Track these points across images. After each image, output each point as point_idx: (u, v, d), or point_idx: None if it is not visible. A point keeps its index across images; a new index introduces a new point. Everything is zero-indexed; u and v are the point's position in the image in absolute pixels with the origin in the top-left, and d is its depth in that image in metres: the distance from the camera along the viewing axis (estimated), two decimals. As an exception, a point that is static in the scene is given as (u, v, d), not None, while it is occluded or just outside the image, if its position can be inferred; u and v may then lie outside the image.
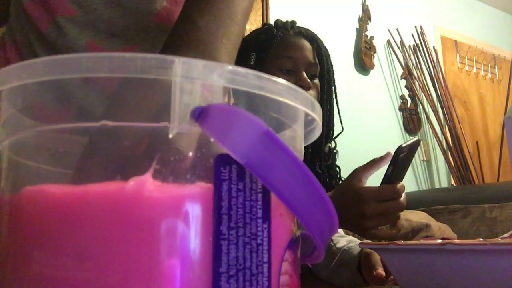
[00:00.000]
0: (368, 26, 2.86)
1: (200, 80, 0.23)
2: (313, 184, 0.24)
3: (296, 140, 0.29)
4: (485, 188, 2.40)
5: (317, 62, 1.06)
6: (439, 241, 0.44)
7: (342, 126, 1.17)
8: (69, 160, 0.29)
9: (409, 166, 0.84)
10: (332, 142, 1.15)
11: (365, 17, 2.86)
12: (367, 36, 2.84)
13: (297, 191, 0.23)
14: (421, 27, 3.13)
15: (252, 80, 0.24)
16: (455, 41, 3.48)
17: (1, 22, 0.67)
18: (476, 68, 3.60)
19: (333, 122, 1.14)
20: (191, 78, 0.23)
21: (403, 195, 0.79)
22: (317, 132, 0.31)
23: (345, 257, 0.88)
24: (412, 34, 3.11)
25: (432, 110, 3.00)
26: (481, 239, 0.40)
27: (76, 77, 0.22)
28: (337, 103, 1.15)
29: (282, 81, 0.25)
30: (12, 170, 0.26)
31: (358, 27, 2.85)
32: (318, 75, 1.07)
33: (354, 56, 2.79)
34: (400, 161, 0.77)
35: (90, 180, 0.25)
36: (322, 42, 1.10)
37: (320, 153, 1.09)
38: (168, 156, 0.24)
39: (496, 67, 3.73)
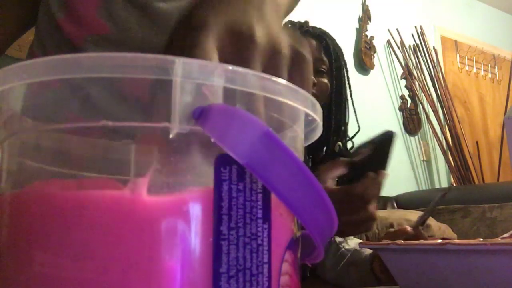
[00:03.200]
0: (368, 26, 2.86)
1: (201, 80, 0.23)
2: (313, 184, 0.24)
3: (297, 140, 0.29)
4: (485, 188, 2.40)
5: (324, 58, 1.07)
6: (439, 241, 0.44)
7: (359, 125, 1.13)
8: (69, 160, 0.29)
9: (384, 159, 0.82)
10: (350, 142, 1.12)
11: (365, 17, 2.86)
12: (367, 36, 2.84)
13: (297, 191, 0.23)
14: (421, 27, 3.13)
15: (252, 80, 0.24)
16: (455, 41, 3.49)
17: (25, 26, 0.67)
18: (476, 68, 3.60)
19: (346, 120, 1.12)
20: (191, 78, 0.23)
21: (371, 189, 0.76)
22: (318, 132, 0.31)
23: (356, 257, 0.88)
24: (412, 34, 3.11)
25: (432, 110, 3.00)
26: (481, 239, 0.40)
27: (77, 77, 0.22)
28: (352, 101, 1.13)
29: (282, 81, 0.25)
30: (12, 170, 0.26)
31: (358, 27, 2.85)
32: (327, 72, 1.07)
33: (354, 56, 2.79)
34: (361, 158, 0.76)
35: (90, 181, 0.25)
36: (333, 40, 1.10)
37: (330, 152, 1.08)
38: (168, 156, 0.24)
39: (496, 67, 3.73)
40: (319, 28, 1.12)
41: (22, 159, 0.27)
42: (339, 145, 1.11)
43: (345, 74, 1.12)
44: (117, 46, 0.57)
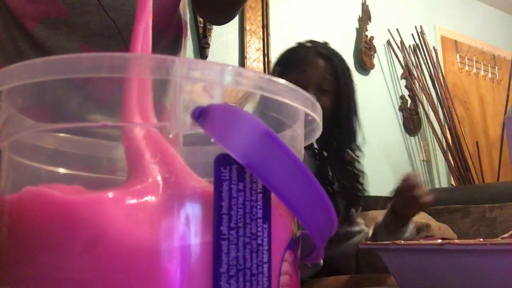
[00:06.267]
0: (368, 26, 2.86)
1: (201, 80, 0.23)
2: (313, 184, 0.24)
3: (296, 140, 0.29)
4: (485, 188, 2.40)
5: (331, 78, 1.18)
6: (439, 241, 0.44)
7: (364, 139, 1.26)
8: (69, 160, 0.29)
9: None
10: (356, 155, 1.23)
11: (365, 17, 2.86)
12: (367, 36, 2.83)
13: (297, 191, 0.23)
14: (421, 27, 3.13)
15: (252, 80, 0.24)
16: (455, 41, 3.48)
17: None
18: (476, 68, 3.60)
19: (355, 132, 1.23)
20: (191, 78, 0.23)
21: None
22: (317, 132, 0.31)
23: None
24: (412, 34, 3.11)
25: (432, 110, 3.00)
26: (481, 239, 0.40)
27: (77, 77, 0.22)
28: (357, 116, 1.24)
29: (282, 81, 0.25)
30: (12, 170, 0.26)
31: (358, 27, 2.85)
32: (333, 89, 1.18)
33: (354, 56, 2.79)
34: None
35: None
36: (341, 62, 1.21)
37: (337, 159, 1.19)
38: (168, 156, 0.24)
39: (496, 67, 3.72)
40: (331, 50, 1.23)
41: (21, 159, 0.27)
42: (349, 154, 1.21)
43: (351, 90, 1.22)
44: (76, 29, 0.56)
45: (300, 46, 1.24)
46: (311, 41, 1.26)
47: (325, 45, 1.25)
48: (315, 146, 1.20)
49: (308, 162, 1.15)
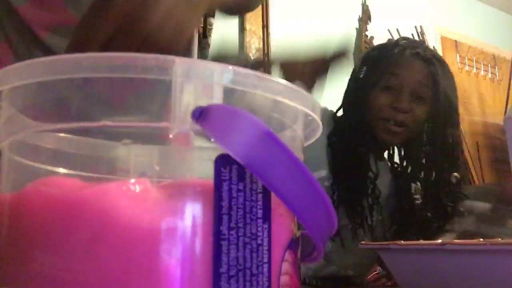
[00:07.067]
0: (368, 26, 2.86)
1: (201, 80, 0.23)
2: (313, 184, 0.24)
3: (296, 140, 0.29)
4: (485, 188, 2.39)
5: (429, 83, 1.00)
6: (439, 241, 0.44)
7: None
8: (69, 160, 0.29)
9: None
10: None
11: (365, 17, 2.86)
12: (367, 36, 2.83)
13: (297, 191, 0.23)
14: (421, 27, 3.13)
15: (252, 80, 0.24)
16: (455, 41, 3.48)
17: None
18: (476, 68, 3.60)
19: (448, 149, 1.03)
20: (191, 78, 0.23)
21: None
22: (317, 132, 0.31)
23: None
24: (412, 34, 3.11)
25: (432, 110, 3.00)
26: (481, 239, 0.40)
27: (76, 77, 0.22)
28: (456, 130, 1.06)
29: (282, 81, 0.25)
30: (12, 170, 0.26)
31: (358, 27, 2.85)
32: (430, 96, 1.01)
33: (354, 56, 2.79)
34: None
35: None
36: (442, 64, 1.03)
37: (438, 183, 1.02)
38: (168, 156, 0.24)
39: (496, 67, 3.72)
40: (430, 50, 1.06)
41: (22, 159, 0.27)
42: (456, 176, 1.03)
43: (453, 101, 1.04)
44: None
45: (393, 44, 1.05)
46: (405, 38, 1.09)
47: (422, 44, 1.09)
48: (396, 160, 1.05)
49: (386, 177, 1.03)
